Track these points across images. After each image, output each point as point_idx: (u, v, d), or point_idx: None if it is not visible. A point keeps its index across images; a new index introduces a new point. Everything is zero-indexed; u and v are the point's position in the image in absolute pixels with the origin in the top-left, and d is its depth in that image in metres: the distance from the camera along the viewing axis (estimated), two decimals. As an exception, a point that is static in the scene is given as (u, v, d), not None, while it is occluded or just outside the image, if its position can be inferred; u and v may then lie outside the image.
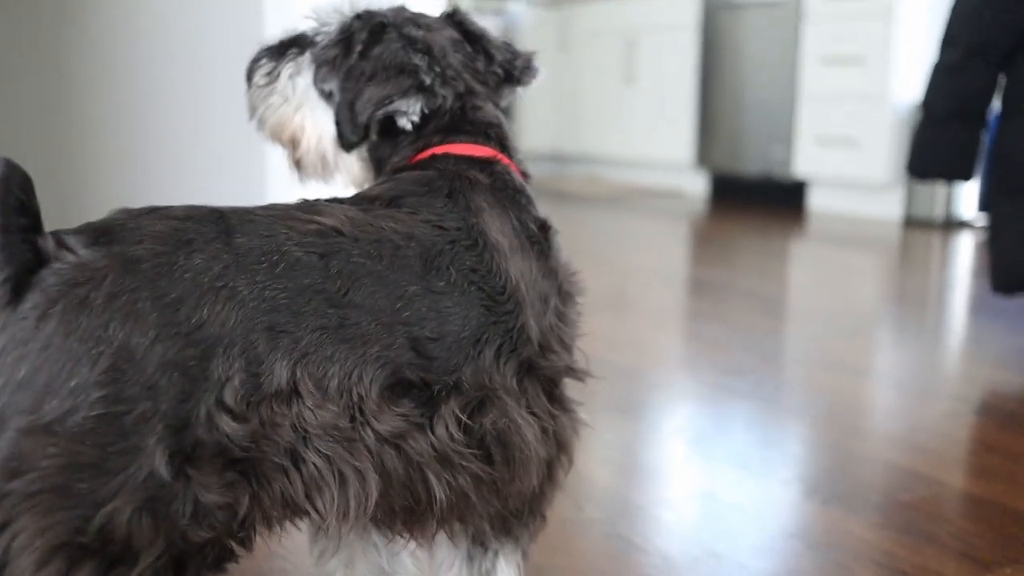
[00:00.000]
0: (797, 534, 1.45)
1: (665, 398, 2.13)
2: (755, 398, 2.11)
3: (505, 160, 1.04)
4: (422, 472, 0.81)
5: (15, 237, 0.69)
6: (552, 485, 0.97)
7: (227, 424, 0.71)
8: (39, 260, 0.70)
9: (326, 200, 0.90)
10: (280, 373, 0.73)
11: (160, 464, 0.68)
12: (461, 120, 1.06)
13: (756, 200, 6.03)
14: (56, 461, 0.66)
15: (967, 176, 2.56)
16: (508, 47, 1.15)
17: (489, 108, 1.09)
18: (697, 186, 6.45)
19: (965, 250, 4.37)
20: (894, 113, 5.00)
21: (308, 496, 0.75)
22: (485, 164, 1.01)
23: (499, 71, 1.12)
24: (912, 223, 5.06)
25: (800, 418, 2.01)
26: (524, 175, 1.07)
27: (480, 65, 1.11)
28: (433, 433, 0.82)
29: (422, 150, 1.04)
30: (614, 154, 6.93)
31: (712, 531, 1.46)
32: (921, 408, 2.09)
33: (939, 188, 4.99)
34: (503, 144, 1.07)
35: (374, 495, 0.78)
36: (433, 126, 1.05)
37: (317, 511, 0.76)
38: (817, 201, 5.58)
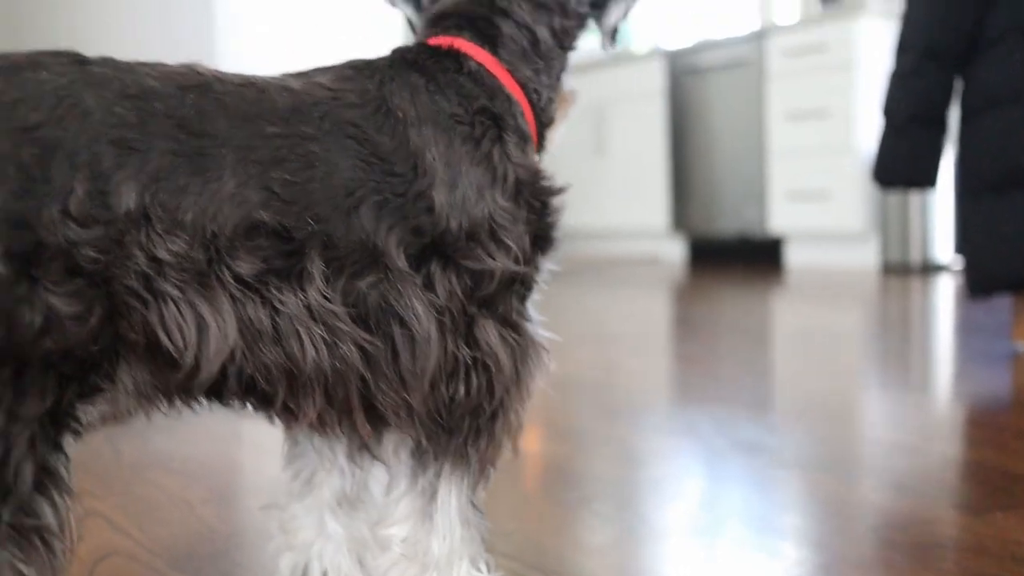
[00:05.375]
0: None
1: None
2: (742, 399, 2.06)
3: (485, 60, 0.99)
4: (293, 327, 0.79)
5: None
6: (493, 399, 0.91)
7: (72, 230, 0.69)
8: None
9: None
10: (128, 194, 0.72)
11: None
12: (476, 21, 1.02)
13: (734, 259, 6.04)
14: None
15: (931, 182, 2.56)
16: None
17: (520, 19, 1.03)
18: (674, 250, 6.47)
19: (944, 293, 4.36)
20: (862, 162, 5.06)
21: (166, 329, 0.74)
22: (445, 53, 0.98)
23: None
24: (890, 270, 5.06)
25: (777, 412, 1.96)
26: (525, 91, 1.01)
27: None
28: (301, 287, 0.79)
29: (426, 38, 1.03)
30: (589, 225, 6.96)
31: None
32: (905, 402, 2.04)
33: (914, 233, 5.01)
34: (509, 51, 1.02)
35: (233, 337, 0.76)
36: (451, 21, 1.02)
37: (175, 345, 0.74)
38: (794, 256, 5.59)
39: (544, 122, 1.06)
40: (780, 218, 5.55)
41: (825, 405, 2.03)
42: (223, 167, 0.76)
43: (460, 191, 0.88)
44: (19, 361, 0.68)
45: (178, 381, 0.77)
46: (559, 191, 0.98)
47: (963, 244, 2.52)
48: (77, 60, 0.76)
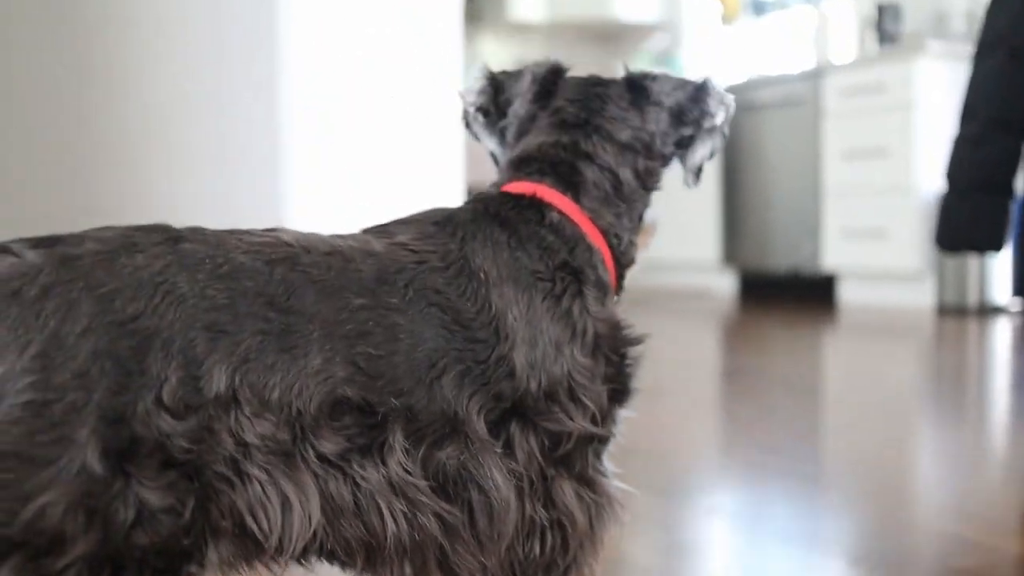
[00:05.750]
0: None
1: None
2: (793, 473, 2.04)
3: (567, 208, 1.00)
4: (374, 501, 0.79)
5: None
6: (567, 555, 0.91)
7: (166, 422, 0.69)
8: None
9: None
10: (219, 378, 0.72)
11: (92, 457, 0.66)
12: (559, 166, 1.04)
13: (786, 296, 6.00)
14: None
15: (997, 247, 2.53)
16: (678, 114, 1.10)
17: (603, 162, 1.05)
18: (725, 284, 6.44)
19: (1002, 335, 4.29)
20: (920, 202, 5.00)
21: (252, 512, 0.74)
22: (527, 203, 0.99)
23: (647, 136, 1.08)
24: (946, 311, 4.99)
25: (841, 491, 1.94)
26: (607, 237, 1.03)
27: (634, 122, 1.08)
28: (383, 460, 0.79)
29: (503, 183, 1.04)
30: (641, 257, 6.92)
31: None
32: (968, 477, 2.02)
33: (971, 274, 4.94)
34: (591, 198, 1.03)
35: (316, 517, 0.76)
36: (534, 166, 1.04)
37: (261, 529, 0.74)
38: (848, 294, 5.54)
39: (624, 264, 1.08)
40: (834, 255, 5.50)
41: (881, 483, 2.02)
42: (310, 343, 0.77)
43: (540, 349, 0.89)
44: (114, 564, 0.67)
45: (262, 558, 0.78)
46: (638, 340, 0.99)
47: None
48: (169, 238, 0.77)
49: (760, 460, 2.16)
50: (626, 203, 1.06)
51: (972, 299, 4.97)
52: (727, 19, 7.11)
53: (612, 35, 8.02)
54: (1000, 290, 4.96)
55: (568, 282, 0.94)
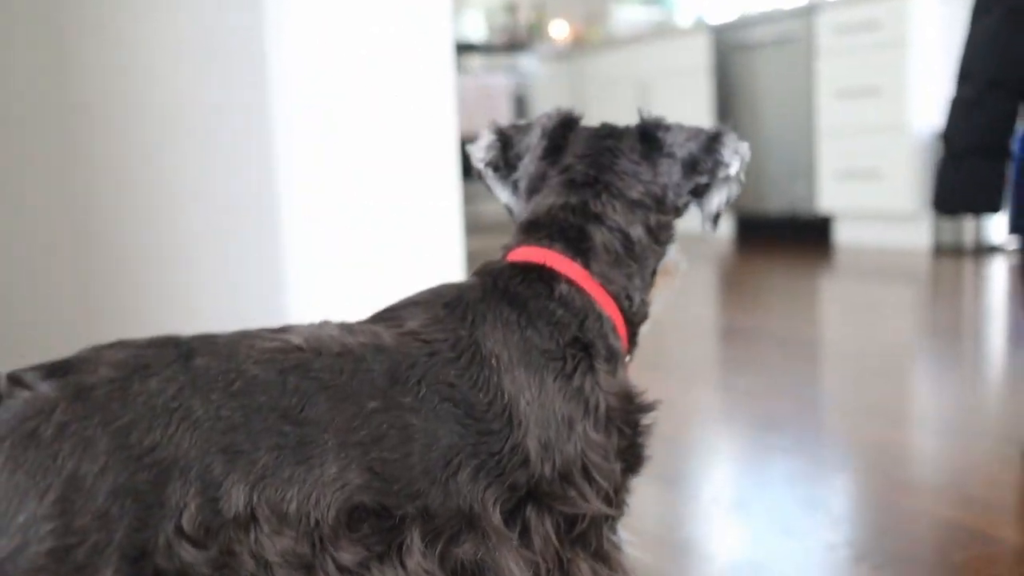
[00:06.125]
0: (848, 604, 1.40)
1: (702, 459, 2.08)
2: (794, 452, 2.05)
3: (576, 276, 0.99)
4: None
5: None
6: None
7: (187, 552, 0.69)
8: None
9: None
10: (237, 498, 0.72)
11: None
12: (568, 231, 1.02)
13: (782, 238, 5.98)
14: None
15: (994, 209, 2.51)
16: (690, 166, 1.07)
17: (613, 223, 1.03)
18: (722, 227, 6.40)
19: (998, 275, 4.29)
20: (914, 142, 4.96)
21: None
22: (536, 275, 0.97)
23: (659, 189, 1.07)
24: (942, 251, 4.99)
25: (842, 472, 1.95)
26: (617, 301, 1.01)
27: (645, 176, 1.07)
28: (401, 563, 0.79)
29: (513, 248, 1.03)
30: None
31: (759, 606, 1.41)
32: (967, 452, 2.03)
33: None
34: (601, 262, 1.01)
35: None
36: (543, 232, 1.03)
37: None
38: (844, 235, 5.52)
39: (636, 323, 1.06)
40: (829, 197, 5.47)
41: (883, 462, 2.03)
42: (325, 452, 0.77)
43: (552, 429, 0.88)
44: None
45: None
46: (650, 408, 0.98)
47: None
48: (182, 354, 0.75)
49: (761, 438, 2.17)
50: (638, 262, 1.04)
51: (968, 238, 4.96)
52: (717, -46, 6.97)
53: (600, -29, 7.89)
54: (996, 229, 4.94)
55: (579, 359, 0.93)
